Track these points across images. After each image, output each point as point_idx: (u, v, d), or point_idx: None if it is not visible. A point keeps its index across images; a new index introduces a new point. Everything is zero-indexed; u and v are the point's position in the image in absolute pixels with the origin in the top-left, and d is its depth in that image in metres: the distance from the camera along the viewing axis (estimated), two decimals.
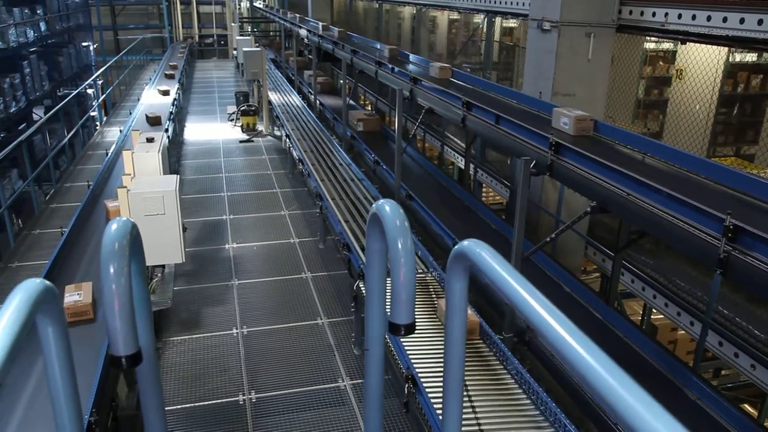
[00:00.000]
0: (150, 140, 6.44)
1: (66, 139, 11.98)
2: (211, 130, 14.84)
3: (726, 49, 6.88)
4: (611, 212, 4.14)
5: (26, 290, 1.17)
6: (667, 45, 8.52)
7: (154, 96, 11.91)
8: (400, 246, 1.59)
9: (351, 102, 13.42)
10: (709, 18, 5.32)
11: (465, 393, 3.74)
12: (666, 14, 5.80)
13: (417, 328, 1.70)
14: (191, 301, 6.84)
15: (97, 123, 16.48)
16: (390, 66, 8.18)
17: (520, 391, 3.93)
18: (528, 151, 4.70)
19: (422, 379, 3.94)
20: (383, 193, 8.14)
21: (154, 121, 8.88)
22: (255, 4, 28.44)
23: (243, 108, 14.59)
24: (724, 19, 5.16)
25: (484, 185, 10.08)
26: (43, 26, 15.81)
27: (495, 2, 8.56)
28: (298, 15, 16.97)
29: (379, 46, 10.18)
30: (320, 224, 8.31)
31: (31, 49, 15.23)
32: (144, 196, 5.32)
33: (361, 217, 7.08)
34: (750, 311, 5.12)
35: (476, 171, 9.77)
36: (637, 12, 6.21)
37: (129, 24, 30.79)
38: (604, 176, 3.93)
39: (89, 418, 3.21)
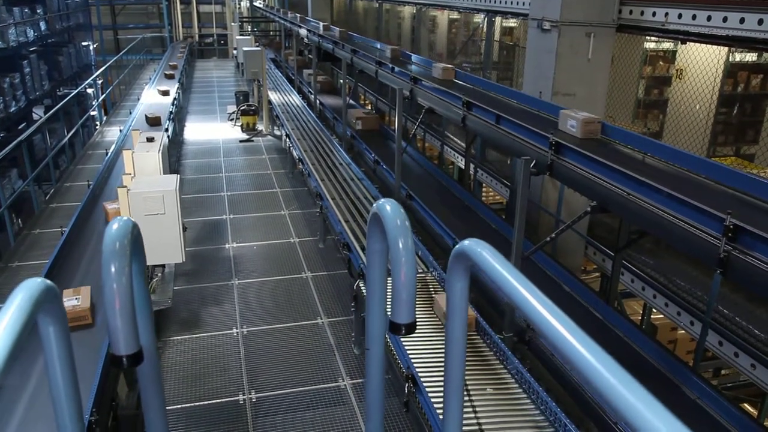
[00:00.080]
0: (150, 140, 6.44)
1: (66, 139, 11.97)
2: (211, 130, 14.84)
3: (726, 48, 6.88)
4: (611, 212, 4.14)
5: (27, 290, 1.17)
6: (667, 45, 8.52)
7: (154, 96, 11.91)
8: (400, 245, 1.59)
9: (351, 101, 13.42)
10: (709, 18, 5.32)
11: (465, 392, 3.75)
12: (666, 14, 5.81)
13: (417, 327, 1.70)
14: (191, 301, 6.84)
15: (97, 122, 16.48)
16: (390, 66, 8.17)
17: (521, 390, 3.93)
18: (528, 151, 4.69)
19: (422, 379, 3.94)
20: (383, 192, 8.14)
21: (153, 122, 8.88)
22: (255, 3, 28.43)
23: (243, 107, 14.59)
24: (725, 19, 5.16)
25: (484, 185, 10.08)
26: (43, 26, 15.80)
27: (495, 2, 8.56)
28: (298, 15, 16.97)
29: (380, 46, 10.18)
30: (320, 224, 8.31)
31: (31, 49, 15.22)
32: (144, 196, 5.32)
33: (361, 216, 7.08)
34: (750, 311, 5.12)
35: (476, 171, 9.77)
36: (638, 12, 6.21)
37: (129, 23, 30.77)
38: (605, 176, 3.93)
39: (90, 418, 3.21)
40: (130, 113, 11.37)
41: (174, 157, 11.22)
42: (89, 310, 4.28)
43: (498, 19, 9.81)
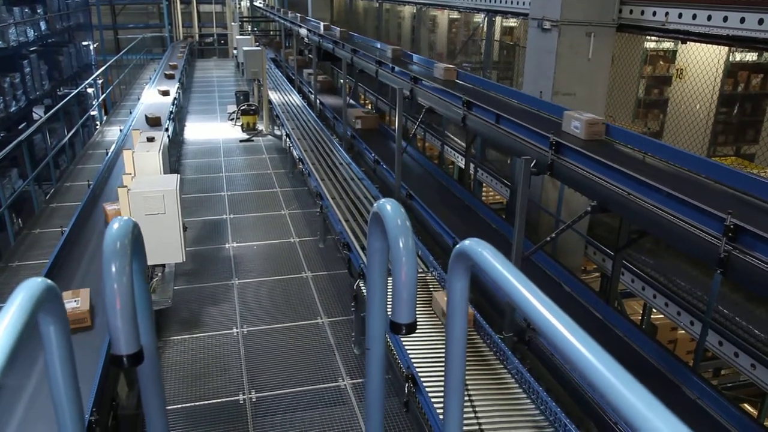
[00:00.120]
0: (150, 139, 6.44)
1: (66, 139, 11.98)
2: (212, 130, 14.84)
3: (726, 48, 6.88)
4: (612, 212, 4.13)
5: (28, 289, 1.17)
6: (667, 44, 8.52)
7: (154, 96, 11.91)
8: (401, 245, 1.59)
9: (351, 101, 13.42)
10: (709, 17, 5.32)
11: (465, 392, 3.75)
12: (666, 14, 5.80)
13: (417, 327, 1.70)
14: (191, 301, 6.85)
15: (97, 122, 16.48)
16: (391, 66, 8.17)
17: (521, 390, 3.93)
18: (528, 151, 4.69)
19: (422, 379, 3.94)
20: (383, 192, 8.14)
21: (153, 122, 8.88)
22: (255, 3, 28.43)
23: (243, 107, 14.59)
24: (725, 19, 5.16)
25: (484, 185, 10.08)
26: (43, 25, 15.79)
27: (495, 1, 8.56)
28: (298, 14, 16.96)
29: (380, 46, 10.17)
30: (320, 223, 8.31)
31: (32, 49, 15.21)
32: (144, 196, 5.32)
33: (361, 216, 7.08)
34: (750, 311, 5.12)
35: (476, 170, 9.77)
36: (638, 11, 6.21)
37: (129, 23, 30.77)
38: (605, 176, 3.93)
39: (90, 418, 3.21)
40: (131, 113, 11.37)
41: (174, 156, 11.22)
42: (88, 313, 4.24)
43: (498, 19, 9.81)
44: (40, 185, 10.91)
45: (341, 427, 4.92)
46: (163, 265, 6.11)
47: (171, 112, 10.24)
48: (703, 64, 7.09)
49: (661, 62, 8.73)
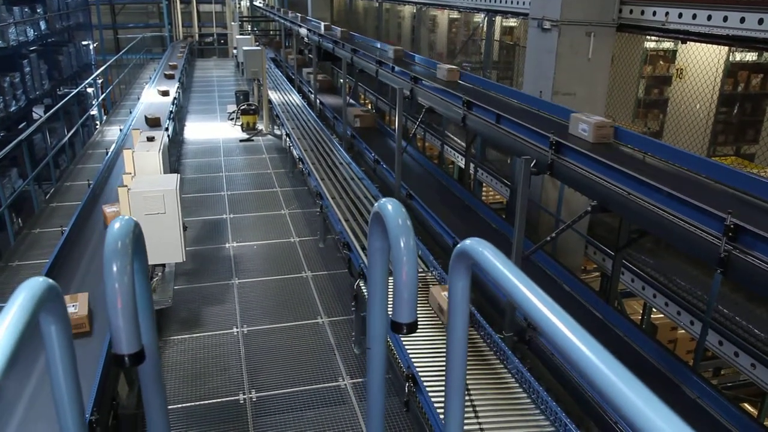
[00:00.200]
0: (150, 139, 6.44)
1: (66, 138, 11.98)
2: (211, 129, 14.84)
3: (726, 48, 6.88)
4: (612, 211, 4.13)
5: (30, 289, 1.17)
6: (667, 44, 8.52)
7: (154, 95, 11.91)
8: (402, 245, 1.59)
9: (351, 101, 13.42)
10: (709, 17, 5.32)
11: (466, 392, 3.75)
12: (666, 13, 5.80)
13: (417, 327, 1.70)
14: (191, 300, 6.85)
15: (97, 122, 16.48)
16: (391, 66, 8.16)
17: (521, 390, 3.93)
18: (528, 150, 4.69)
19: (422, 378, 3.94)
20: (383, 192, 8.14)
21: (153, 123, 8.88)
22: (255, 3, 28.42)
23: (243, 107, 14.59)
24: (725, 18, 5.16)
25: (484, 184, 10.08)
26: (43, 25, 15.78)
27: (495, 1, 8.55)
28: (298, 14, 16.96)
29: (380, 46, 10.17)
30: (320, 223, 8.31)
31: (31, 48, 15.20)
32: (144, 195, 5.32)
33: (361, 216, 7.08)
34: (750, 310, 5.12)
35: (476, 170, 9.77)
36: (638, 11, 6.21)
37: (129, 23, 30.76)
38: (605, 175, 3.93)
39: (90, 417, 3.21)
40: (130, 113, 11.37)
41: (174, 156, 11.22)
42: (87, 318, 4.15)
43: (498, 19, 9.81)
44: (40, 185, 10.91)
45: (341, 427, 4.93)
46: (163, 265, 6.11)
47: (171, 112, 10.25)
48: (703, 64, 7.09)
49: (661, 62, 8.73)
